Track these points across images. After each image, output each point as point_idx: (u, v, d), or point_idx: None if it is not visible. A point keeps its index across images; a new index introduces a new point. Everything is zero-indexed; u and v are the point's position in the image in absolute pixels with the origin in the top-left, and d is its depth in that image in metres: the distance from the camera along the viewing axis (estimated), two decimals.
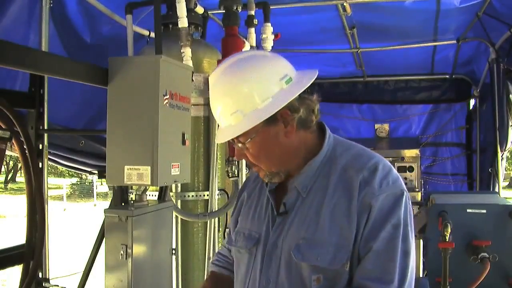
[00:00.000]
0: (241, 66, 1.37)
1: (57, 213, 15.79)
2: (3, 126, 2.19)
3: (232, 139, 1.39)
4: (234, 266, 1.57)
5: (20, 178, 28.03)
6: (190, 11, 2.69)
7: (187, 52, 2.60)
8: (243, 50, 2.91)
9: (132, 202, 2.35)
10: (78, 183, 25.51)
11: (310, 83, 1.38)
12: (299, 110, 1.39)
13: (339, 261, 1.30)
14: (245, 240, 1.49)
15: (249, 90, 1.33)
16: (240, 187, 2.72)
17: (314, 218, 1.35)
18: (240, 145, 1.39)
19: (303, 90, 1.37)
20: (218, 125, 1.46)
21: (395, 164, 5.38)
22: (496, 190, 4.42)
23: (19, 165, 19.16)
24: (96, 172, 3.53)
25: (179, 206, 2.83)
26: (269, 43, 3.06)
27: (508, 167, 21.88)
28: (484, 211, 2.91)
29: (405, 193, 1.35)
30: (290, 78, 1.37)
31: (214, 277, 1.70)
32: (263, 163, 1.41)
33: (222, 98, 1.36)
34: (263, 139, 1.37)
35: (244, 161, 2.85)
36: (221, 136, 1.40)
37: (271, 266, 1.39)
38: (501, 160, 4.44)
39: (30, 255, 2.33)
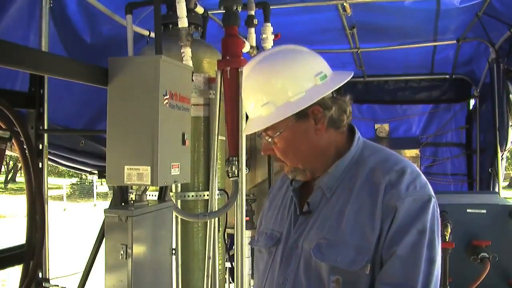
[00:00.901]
0: (278, 58, 1.37)
1: (57, 213, 15.79)
2: (3, 126, 2.19)
3: (261, 133, 1.39)
4: (253, 267, 1.59)
5: (20, 178, 28.03)
6: (190, 11, 2.69)
7: (187, 52, 2.60)
8: (243, 50, 2.91)
9: (132, 202, 2.35)
10: (78, 183, 25.52)
11: (345, 82, 1.40)
12: (331, 109, 1.39)
13: (359, 263, 1.26)
14: (266, 240, 1.49)
15: (283, 82, 1.34)
16: (239, 187, 2.74)
17: (337, 218, 1.33)
18: (268, 139, 1.39)
19: (336, 88, 1.38)
20: (247, 117, 1.46)
21: None
22: (496, 190, 4.42)
23: (19, 165, 19.15)
24: (96, 172, 3.53)
25: (179, 206, 2.83)
26: (269, 43, 3.06)
27: (508, 167, 21.88)
28: (484, 211, 2.92)
29: (433, 199, 1.31)
30: (325, 75, 1.38)
31: None
32: (289, 159, 1.40)
33: (255, 89, 1.37)
34: (292, 135, 1.36)
35: (244, 161, 2.85)
36: (250, 127, 1.39)
37: (289, 265, 1.38)
38: (501, 160, 4.45)
39: (30, 255, 2.33)
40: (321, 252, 1.31)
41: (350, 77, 1.42)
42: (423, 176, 1.35)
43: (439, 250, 1.29)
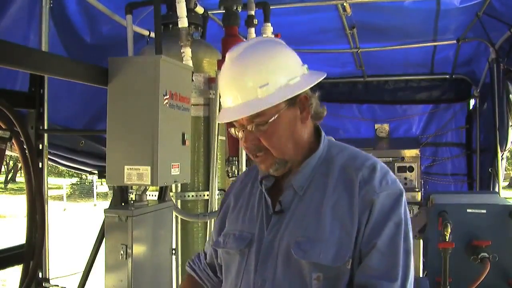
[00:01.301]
0: (270, 44, 1.37)
1: (57, 213, 15.79)
2: (3, 126, 2.19)
3: (248, 122, 1.33)
4: (223, 270, 1.51)
5: (20, 178, 28.02)
6: (190, 11, 2.70)
7: (187, 52, 2.60)
8: None
9: (132, 202, 2.35)
10: (78, 183, 25.51)
11: (324, 76, 1.41)
12: (314, 100, 1.40)
13: (342, 258, 1.28)
14: (236, 241, 1.43)
15: (280, 65, 1.33)
16: None
17: (314, 216, 1.33)
18: (260, 127, 1.33)
19: (322, 78, 1.39)
20: (225, 104, 1.36)
21: (395, 164, 5.38)
22: (496, 190, 4.42)
23: (19, 165, 19.14)
24: (96, 172, 3.54)
25: (179, 206, 2.83)
26: None
27: (508, 167, 21.88)
28: (484, 211, 2.92)
29: (403, 193, 1.35)
30: (307, 67, 1.39)
31: (193, 283, 1.67)
32: (277, 149, 1.36)
33: (255, 69, 1.31)
34: (283, 121, 1.34)
35: (244, 161, 2.85)
36: (248, 109, 1.30)
37: (267, 266, 1.35)
38: (501, 160, 4.45)
39: (30, 255, 2.33)
40: (302, 250, 1.30)
41: (325, 75, 1.43)
42: (391, 172, 1.39)
43: (412, 242, 1.34)
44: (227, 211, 1.57)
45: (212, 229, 1.68)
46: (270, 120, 1.32)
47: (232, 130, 1.40)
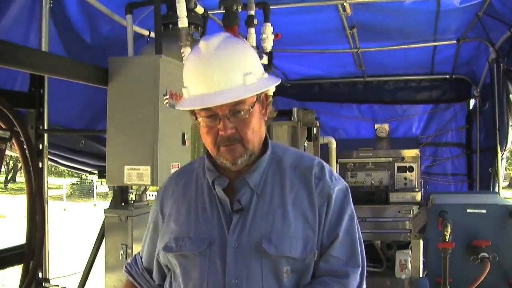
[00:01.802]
0: (240, 41, 1.42)
1: (57, 213, 15.79)
2: (3, 126, 2.19)
3: (227, 109, 1.32)
4: (177, 275, 1.44)
5: (20, 178, 28.02)
6: (190, 11, 2.69)
7: (187, 52, 2.60)
8: None
9: (132, 202, 2.36)
10: (78, 183, 25.50)
11: (278, 83, 1.45)
12: (270, 100, 1.46)
13: (311, 251, 1.36)
14: (194, 244, 1.39)
15: (257, 58, 1.39)
16: None
17: (278, 212, 1.38)
18: (238, 114, 1.33)
19: (278, 83, 1.45)
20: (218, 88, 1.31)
21: (395, 164, 5.39)
22: (496, 190, 4.42)
23: (19, 165, 19.14)
24: (96, 172, 3.54)
25: None
26: (269, 43, 3.06)
27: (508, 167, 21.88)
28: (484, 211, 2.91)
29: (348, 188, 1.47)
30: None
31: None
32: (250, 139, 1.37)
33: (239, 57, 1.33)
34: (255, 113, 1.38)
35: None
36: (234, 94, 1.29)
37: (237, 265, 1.35)
38: (501, 160, 4.45)
39: (30, 255, 2.33)
40: (274, 246, 1.34)
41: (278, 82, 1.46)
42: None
43: None
44: (168, 217, 1.50)
45: (149, 233, 1.58)
46: (251, 109, 1.35)
47: (201, 119, 1.36)
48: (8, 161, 24.77)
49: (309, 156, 1.51)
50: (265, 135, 1.48)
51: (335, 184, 1.43)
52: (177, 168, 2.26)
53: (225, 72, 1.31)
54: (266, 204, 1.39)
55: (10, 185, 27.54)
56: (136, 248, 2.18)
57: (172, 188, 1.55)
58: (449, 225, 2.76)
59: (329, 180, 1.42)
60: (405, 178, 5.36)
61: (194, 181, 1.51)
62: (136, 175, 2.10)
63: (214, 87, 1.30)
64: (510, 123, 4.23)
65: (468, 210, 2.93)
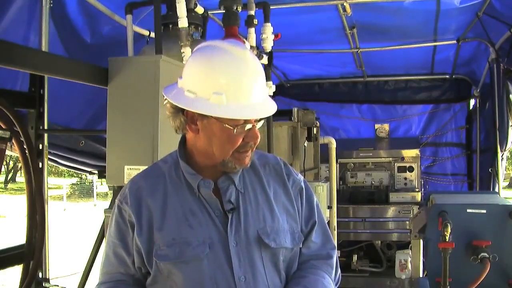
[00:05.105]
0: None
1: (57, 213, 15.79)
2: (3, 126, 2.19)
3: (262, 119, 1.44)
4: (174, 283, 1.39)
5: (20, 178, 28.01)
6: (190, 11, 2.69)
7: (187, 52, 2.60)
8: None
9: None
10: (78, 183, 25.49)
11: None
12: None
13: (299, 240, 1.50)
14: (195, 249, 1.38)
15: None
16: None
17: (266, 208, 1.47)
18: (259, 123, 1.43)
19: None
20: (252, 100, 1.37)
21: (395, 164, 5.38)
22: (496, 190, 4.42)
23: (19, 165, 19.16)
24: (96, 172, 3.54)
25: None
26: (269, 43, 3.06)
27: (508, 167, 21.89)
28: (484, 211, 2.91)
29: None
30: None
31: None
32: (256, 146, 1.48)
33: (261, 71, 1.42)
34: None
35: None
36: (273, 105, 1.43)
37: (241, 263, 1.39)
38: (501, 160, 4.45)
39: (30, 255, 2.33)
40: (272, 239, 1.43)
41: None
42: None
43: None
44: (147, 225, 1.42)
45: (112, 248, 1.47)
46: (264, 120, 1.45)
47: (228, 126, 1.37)
48: (8, 161, 24.77)
49: (270, 154, 1.64)
50: None
51: (300, 177, 1.58)
52: None
53: (264, 85, 1.42)
54: (252, 201, 1.48)
55: (10, 185, 27.53)
56: None
57: (141, 194, 1.47)
58: (449, 225, 2.76)
59: (295, 174, 1.58)
60: (405, 178, 5.35)
61: (169, 185, 1.47)
62: None
63: (256, 98, 1.38)
64: (510, 123, 4.23)
65: (468, 210, 2.93)
